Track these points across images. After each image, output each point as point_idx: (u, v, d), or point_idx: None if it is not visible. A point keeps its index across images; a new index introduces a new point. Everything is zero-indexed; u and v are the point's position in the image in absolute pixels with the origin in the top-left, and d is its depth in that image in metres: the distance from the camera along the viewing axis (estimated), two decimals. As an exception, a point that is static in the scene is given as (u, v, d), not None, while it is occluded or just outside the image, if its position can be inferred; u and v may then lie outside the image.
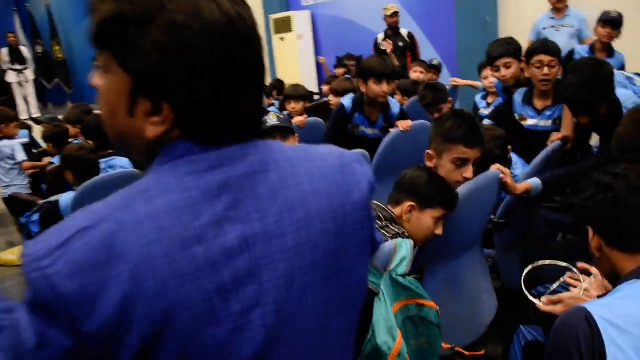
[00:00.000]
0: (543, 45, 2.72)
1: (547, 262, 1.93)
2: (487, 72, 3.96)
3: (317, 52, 8.28)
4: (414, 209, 1.76)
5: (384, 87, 2.98)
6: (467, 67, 5.98)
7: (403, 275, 1.47)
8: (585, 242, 2.27)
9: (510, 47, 2.97)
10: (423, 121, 3.03)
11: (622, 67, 3.99)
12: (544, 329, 1.75)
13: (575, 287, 1.86)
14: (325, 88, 5.81)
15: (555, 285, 1.87)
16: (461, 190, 1.85)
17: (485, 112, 3.99)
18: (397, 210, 1.79)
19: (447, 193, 1.78)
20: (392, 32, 5.94)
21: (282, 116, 2.43)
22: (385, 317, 1.22)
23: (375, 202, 1.80)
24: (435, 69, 5.26)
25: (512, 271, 2.42)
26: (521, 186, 2.15)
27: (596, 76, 2.22)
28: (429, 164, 1.96)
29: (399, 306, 1.39)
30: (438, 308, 1.47)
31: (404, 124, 2.91)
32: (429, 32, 6.64)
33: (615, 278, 1.23)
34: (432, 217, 1.77)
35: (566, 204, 2.61)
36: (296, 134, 2.50)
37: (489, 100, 4.06)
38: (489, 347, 2.25)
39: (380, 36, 5.99)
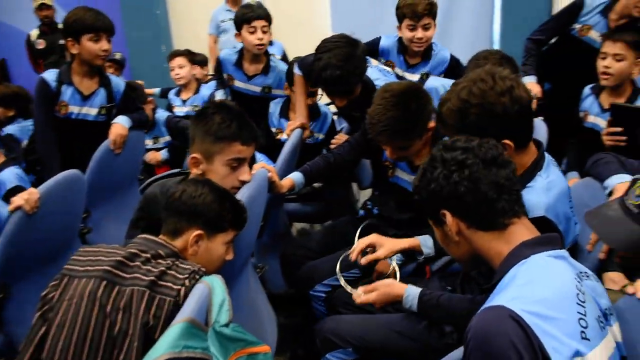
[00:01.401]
0: (256, 10, 2.78)
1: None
2: (178, 61, 3.70)
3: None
4: (201, 239, 1.41)
5: (104, 44, 2.47)
6: (139, 64, 5.60)
7: (227, 324, 1.14)
8: (342, 227, 2.33)
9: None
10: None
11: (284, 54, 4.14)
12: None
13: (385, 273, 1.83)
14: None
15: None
16: (241, 197, 1.57)
17: (181, 110, 3.74)
18: (178, 243, 1.40)
19: (237, 210, 1.48)
20: (49, 28, 5.03)
21: None
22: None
23: (146, 236, 1.38)
24: (118, 64, 4.68)
25: (274, 275, 2.27)
26: (285, 183, 1.99)
27: (353, 55, 2.14)
28: (195, 171, 1.62)
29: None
30: (270, 349, 1.19)
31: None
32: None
33: (476, 261, 1.15)
34: (224, 243, 1.45)
35: (306, 193, 2.58)
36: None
37: (184, 96, 3.80)
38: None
39: (34, 33, 5.03)
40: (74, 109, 2.53)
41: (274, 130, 2.80)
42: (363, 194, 3.38)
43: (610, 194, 1.54)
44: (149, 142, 3.21)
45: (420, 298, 1.52)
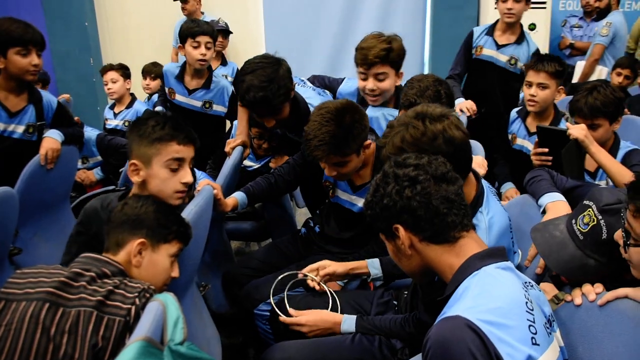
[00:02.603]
0: (201, 26, 2.80)
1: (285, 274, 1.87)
2: (111, 75, 3.59)
3: None
4: (145, 249, 1.37)
5: (34, 59, 2.29)
6: (66, 77, 5.39)
7: (182, 342, 1.12)
8: (284, 245, 2.33)
9: None
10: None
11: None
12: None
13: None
14: None
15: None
16: (187, 214, 1.54)
17: (111, 123, 3.63)
18: (121, 257, 1.36)
19: (181, 223, 1.45)
20: None
21: None
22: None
23: (89, 254, 1.33)
24: (41, 80, 4.47)
25: (217, 294, 2.24)
26: (229, 202, 1.97)
27: (275, 75, 2.12)
28: (136, 178, 1.56)
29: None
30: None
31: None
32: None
33: (427, 273, 1.19)
34: (168, 255, 1.42)
35: (244, 212, 2.55)
36: None
37: (116, 109, 3.68)
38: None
39: None
40: None
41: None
42: (300, 212, 3.40)
43: (544, 212, 1.64)
44: (78, 163, 3.07)
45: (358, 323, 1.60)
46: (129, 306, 1.17)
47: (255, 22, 5.39)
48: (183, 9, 4.78)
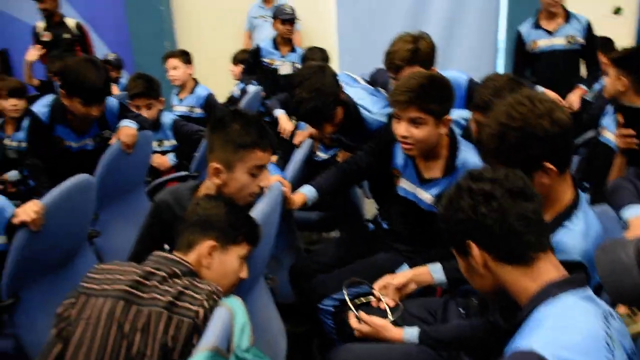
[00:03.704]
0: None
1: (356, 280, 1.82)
2: (172, 62, 3.65)
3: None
4: (215, 250, 1.40)
5: (93, 111, 2.40)
6: (143, 60, 5.56)
7: (248, 349, 1.13)
8: (353, 240, 2.32)
9: None
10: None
11: (304, 59, 4.20)
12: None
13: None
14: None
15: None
16: (256, 214, 1.55)
17: (178, 109, 3.71)
18: (192, 257, 1.39)
19: (251, 224, 1.47)
20: (52, 21, 4.97)
21: None
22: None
23: (160, 253, 1.37)
24: (112, 65, 4.65)
25: (283, 286, 2.26)
26: (297, 199, 1.97)
27: (321, 82, 2.12)
28: (216, 181, 1.60)
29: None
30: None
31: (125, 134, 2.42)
32: (93, 22, 5.86)
33: (499, 294, 1.14)
34: (238, 257, 1.44)
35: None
36: None
37: (181, 96, 3.76)
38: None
39: (41, 24, 4.98)
40: (71, 144, 2.56)
41: None
42: (368, 202, 3.37)
43: (626, 227, 1.52)
44: (153, 145, 3.16)
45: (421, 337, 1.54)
46: (197, 308, 1.19)
47: (326, 7, 5.33)
48: None
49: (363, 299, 1.78)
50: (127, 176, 2.57)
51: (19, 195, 2.91)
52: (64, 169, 2.42)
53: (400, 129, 1.85)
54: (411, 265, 1.91)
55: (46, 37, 4.80)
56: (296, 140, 2.40)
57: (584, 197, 1.43)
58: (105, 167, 2.35)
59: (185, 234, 1.42)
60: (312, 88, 2.08)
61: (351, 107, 2.28)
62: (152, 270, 1.29)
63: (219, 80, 4.96)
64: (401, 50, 2.17)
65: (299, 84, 2.13)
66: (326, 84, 2.13)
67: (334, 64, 5.34)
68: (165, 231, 1.63)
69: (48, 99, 2.55)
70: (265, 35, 4.71)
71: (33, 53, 4.62)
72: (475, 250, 1.09)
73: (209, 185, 1.65)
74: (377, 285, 1.77)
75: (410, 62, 2.17)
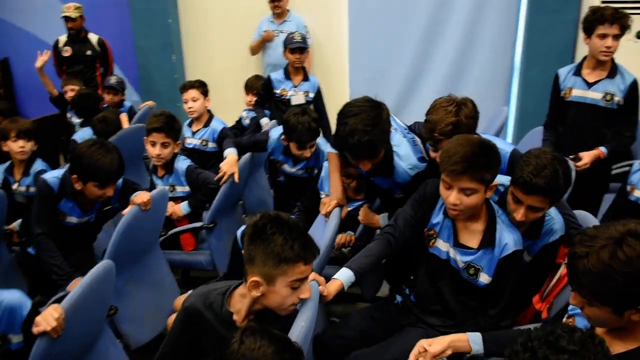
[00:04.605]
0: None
1: None
2: (192, 94, 3.51)
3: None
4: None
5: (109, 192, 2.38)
6: (148, 73, 5.43)
7: None
8: (378, 312, 2.22)
9: None
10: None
11: (317, 90, 4.16)
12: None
13: None
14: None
15: None
16: (297, 335, 1.46)
17: (191, 142, 3.59)
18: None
19: (297, 355, 1.38)
20: (76, 38, 4.86)
21: None
22: None
23: None
24: (114, 89, 4.47)
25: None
26: (332, 288, 1.86)
27: (379, 118, 2.07)
28: (255, 293, 1.52)
29: None
30: None
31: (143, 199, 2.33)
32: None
33: None
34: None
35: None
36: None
37: (194, 127, 3.63)
38: None
39: (63, 39, 4.87)
40: (72, 219, 2.52)
41: (322, 195, 2.71)
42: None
43: None
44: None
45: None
46: None
47: (338, 22, 5.19)
48: (276, 7, 4.79)
49: None
50: (142, 238, 2.47)
51: (23, 244, 2.82)
52: (60, 241, 2.46)
53: (451, 197, 1.82)
54: None
55: (67, 52, 4.74)
56: (323, 211, 2.30)
57: None
58: (120, 234, 2.25)
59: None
60: (371, 121, 2.04)
61: (389, 151, 2.23)
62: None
63: (227, 96, 4.86)
64: (442, 123, 2.07)
65: (354, 114, 2.06)
66: (384, 120, 2.10)
67: (345, 83, 5.25)
68: (196, 338, 1.58)
69: (59, 171, 2.51)
70: (277, 52, 4.61)
71: (41, 59, 4.60)
72: None
73: (243, 292, 1.58)
74: (413, 354, 1.72)
75: (451, 135, 2.05)
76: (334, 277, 1.90)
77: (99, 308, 1.91)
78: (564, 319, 1.64)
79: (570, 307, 1.63)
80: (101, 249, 2.77)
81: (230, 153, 2.97)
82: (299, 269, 1.49)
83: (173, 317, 2.29)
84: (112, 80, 4.45)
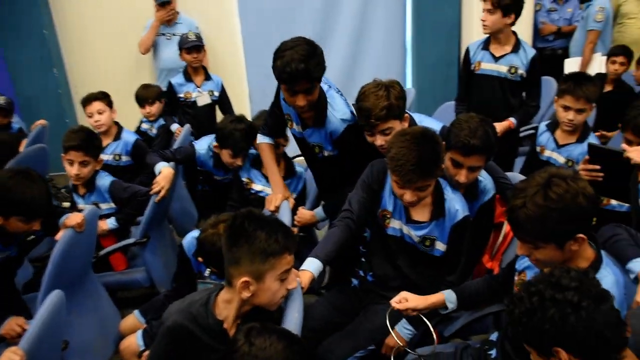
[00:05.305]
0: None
1: None
2: (97, 106, 3.29)
3: None
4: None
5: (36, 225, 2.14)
6: (27, 90, 4.98)
7: None
8: (338, 299, 2.23)
9: None
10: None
11: (222, 89, 4.13)
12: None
13: None
14: None
15: None
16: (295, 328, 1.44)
17: (104, 158, 3.34)
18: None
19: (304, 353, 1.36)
20: None
21: None
22: None
23: None
24: (3, 110, 3.94)
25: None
26: (306, 281, 1.80)
27: (315, 51, 2.13)
28: (246, 294, 1.48)
29: None
30: None
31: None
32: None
33: None
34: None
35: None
36: None
37: (104, 142, 3.36)
38: None
39: None
40: None
41: (244, 180, 2.72)
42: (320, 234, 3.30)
43: (636, 279, 1.62)
44: (83, 207, 2.81)
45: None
46: None
47: (230, 21, 5.10)
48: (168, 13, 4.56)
49: None
50: (78, 262, 2.29)
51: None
52: None
53: (407, 196, 1.88)
54: None
55: None
56: (271, 207, 2.27)
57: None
58: (56, 263, 2.07)
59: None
60: (306, 52, 2.08)
61: (323, 98, 2.29)
62: None
63: (119, 105, 4.54)
64: (376, 108, 2.11)
65: (290, 47, 2.09)
66: (318, 54, 2.14)
67: (243, 80, 5.19)
68: (185, 357, 1.52)
69: None
70: (171, 54, 4.46)
71: None
72: (563, 355, 1.15)
73: (227, 298, 1.53)
74: (394, 300, 1.87)
75: (386, 119, 2.13)
76: (302, 268, 1.86)
77: (56, 343, 1.75)
78: (516, 277, 1.77)
79: (517, 264, 1.78)
80: (20, 283, 2.54)
81: (165, 167, 2.77)
82: (285, 259, 1.49)
83: (128, 340, 2.16)
84: (0, 100, 3.99)
